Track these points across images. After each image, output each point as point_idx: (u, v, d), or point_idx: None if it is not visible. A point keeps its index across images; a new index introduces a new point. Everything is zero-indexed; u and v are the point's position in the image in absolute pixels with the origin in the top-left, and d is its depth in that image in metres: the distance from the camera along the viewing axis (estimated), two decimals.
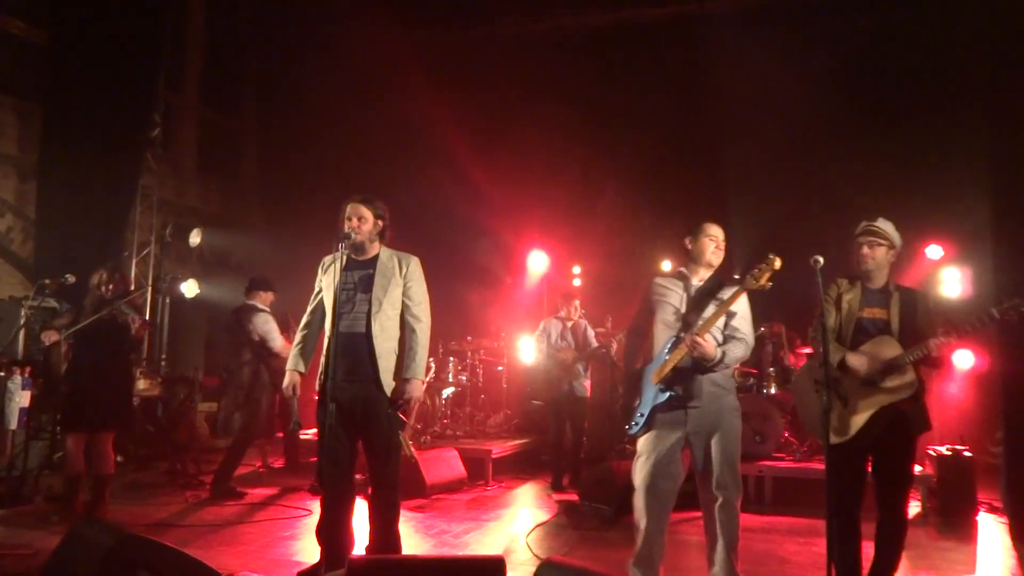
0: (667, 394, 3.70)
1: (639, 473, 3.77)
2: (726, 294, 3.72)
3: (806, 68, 8.43)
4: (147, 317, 5.61)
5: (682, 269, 3.95)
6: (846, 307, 3.64)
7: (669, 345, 3.76)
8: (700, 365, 3.67)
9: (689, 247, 3.91)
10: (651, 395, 3.78)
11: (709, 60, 9.07)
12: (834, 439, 3.51)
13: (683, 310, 3.81)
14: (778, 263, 3.46)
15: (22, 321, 6.27)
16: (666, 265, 9.59)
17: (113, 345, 5.23)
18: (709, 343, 3.59)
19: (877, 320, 3.65)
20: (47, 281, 5.30)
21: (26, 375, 4.96)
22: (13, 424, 4.65)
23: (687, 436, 3.71)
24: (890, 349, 3.53)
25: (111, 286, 5.27)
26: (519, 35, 10.25)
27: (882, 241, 3.67)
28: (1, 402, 4.52)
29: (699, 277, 3.88)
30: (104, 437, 5.27)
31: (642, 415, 3.81)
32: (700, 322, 3.68)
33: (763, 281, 3.50)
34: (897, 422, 3.51)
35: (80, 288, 5.41)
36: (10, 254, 8.16)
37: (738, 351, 3.74)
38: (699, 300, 3.80)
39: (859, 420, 3.51)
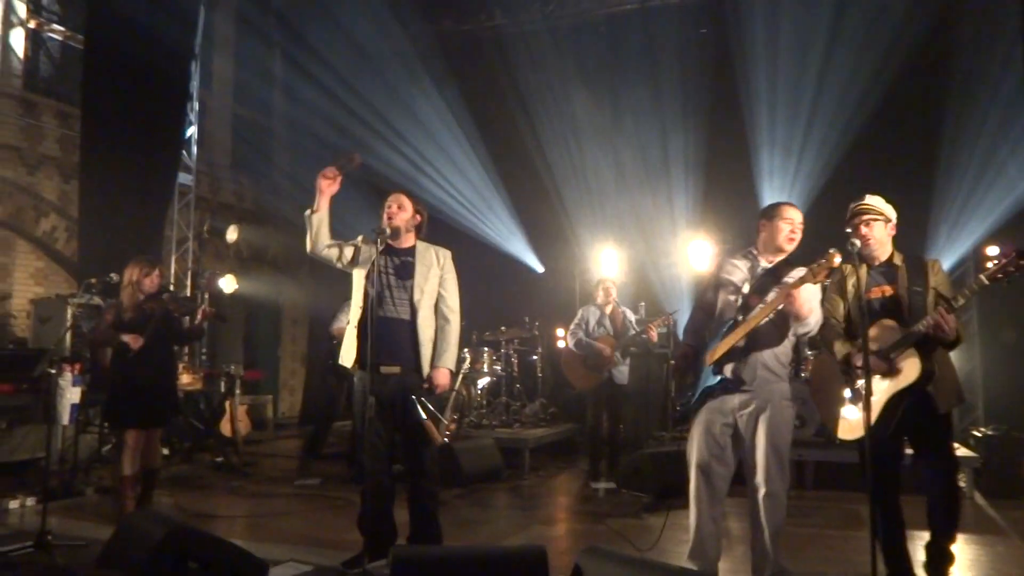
0: (718, 377, 3.64)
1: (692, 453, 3.72)
2: (792, 279, 3.55)
3: (837, 45, 8.30)
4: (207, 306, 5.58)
5: (752, 250, 3.81)
6: (852, 291, 3.54)
7: (726, 327, 3.68)
8: (752, 347, 3.58)
9: (762, 229, 3.75)
10: (705, 376, 3.72)
11: (739, 41, 8.95)
12: (856, 434, 3.50)
13: (746, 292, 3.70)
14: (837, 259, 3.31)
15: (69, 319, 6.44)
16: (698, 248, 9.57)
17: (162, 339, 5.25)
18: (800, 301, 3.41)
19: (886, 299, 3.56)
20: (92, 280, 5.41)
21: (76, 371, 5.06)
22: (65, 420, 4.76)
23: (735, 421, 3.64)
24: (891, 333, 3.44)
25: (154, 278, 5.28)
26: (546, 21, 10.19)
27: (877, 216, 3.59)
28: (53, 398, 4.63)
29: (768, 260, 3.74)
30: (156, 432, 5.33)
31: (693, 395, 3.75)
32: (760, 307, 3.58)
33: (820, 278, 3.37)
34: (917, 404, 3.42)
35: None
36: (55, 253, 8.36)
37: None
38: (763, 284, 3.67)
39: (874, 412, 3.40)
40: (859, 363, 3.49)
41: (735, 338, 3.60)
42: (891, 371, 3.43)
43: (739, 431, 3.65)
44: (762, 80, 8.89)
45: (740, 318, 3.64)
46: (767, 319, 3.58)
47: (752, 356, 3.62)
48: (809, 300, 3.48)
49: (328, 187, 4.00)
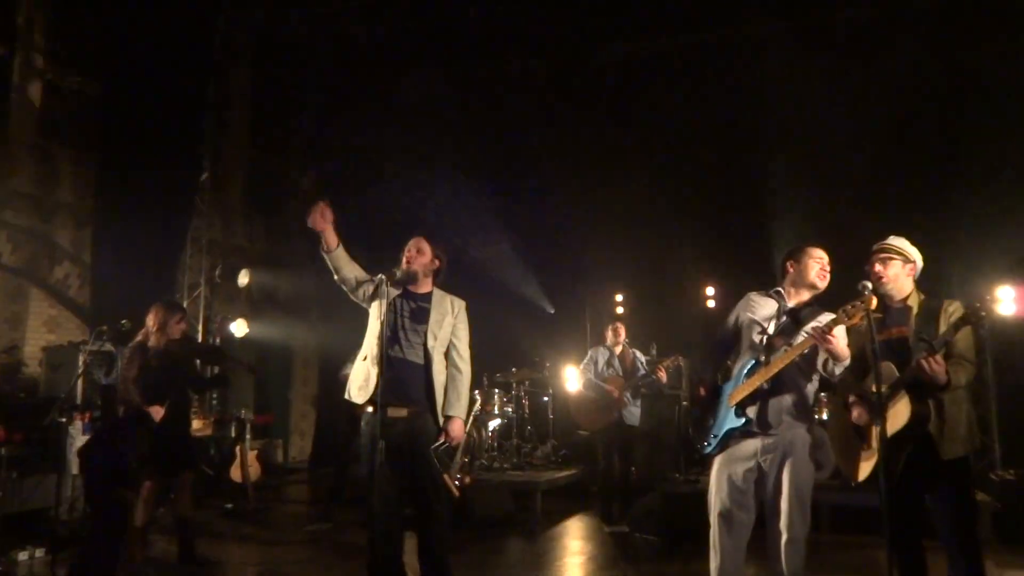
0: (742, 419, 3.59)
1: (713, 501, 3.65)
2: (821, 323, 3.53)
3: (849, 89, 8.33)
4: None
5: (779, 289, 3.79)
6: (867, 333, 3.44)
7: (749, 367, 3.64)
8: (777, 390, 3.56)
9: (791, 269, 3.75)
10: (726, 416, 3.67)
11: (751, 85, 9.01)
12: (864, 475, 3.49)
13: (771, 332, 3.67)
14: (874, 303, 3.27)
15: (80, 366, 6.46)
16: (710, 290, 9.56)
17: (180, 386, 5.22)
18: (839, 341, 3.41)
19: (897, 340, 3.50)
20: (104, 327, 5.43)
21: (86, 420, 5.06)
22: (74, 469, 4.75)
23: (759, 466, 3.58)
24: (888, 376, 3.38)
25: (182, 323, 5.28)
26: (562, 63, 10.31)
27: (894, 256, 3.56)
28: (63, 447, 4.62)
29: (797, 300, 3.73)
30: (184, 480, 5.26)
31: (715, 436, 3.69)
32: (785, 348, 3.56)
33: (856, 320, 3.32)
34: (920, 448, 3.34)
35: (136, 332, 5.51)
36: (68, 300, 8.41)
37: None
38: (791, 326, 3.66)
39: (876, 456, 3.37)
40: (855, 413, 3.51)
41: (760, 379, 3.56)
42: (881, 415, 3.31)
43: (762, 476, 3.58)
44: (774, 122, 8.93)
45: (763, 359, 3.61)
46: (793, 361, 3.54)
47: (776, 399, 3.58)
48: (842, 341, 3.48)
49: (322, 224, 3.95)
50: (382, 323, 3.91)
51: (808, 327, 3.53)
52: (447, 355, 4.18)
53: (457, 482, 6.94)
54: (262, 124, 11.33)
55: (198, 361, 5.46)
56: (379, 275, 4.07)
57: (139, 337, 5.15)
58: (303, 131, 11.58)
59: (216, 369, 5.61)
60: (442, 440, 4.00)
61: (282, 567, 5.41)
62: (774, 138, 8.91)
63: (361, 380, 4.02)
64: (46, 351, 7.49)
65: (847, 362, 3.51)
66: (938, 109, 8.34)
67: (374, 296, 4.07)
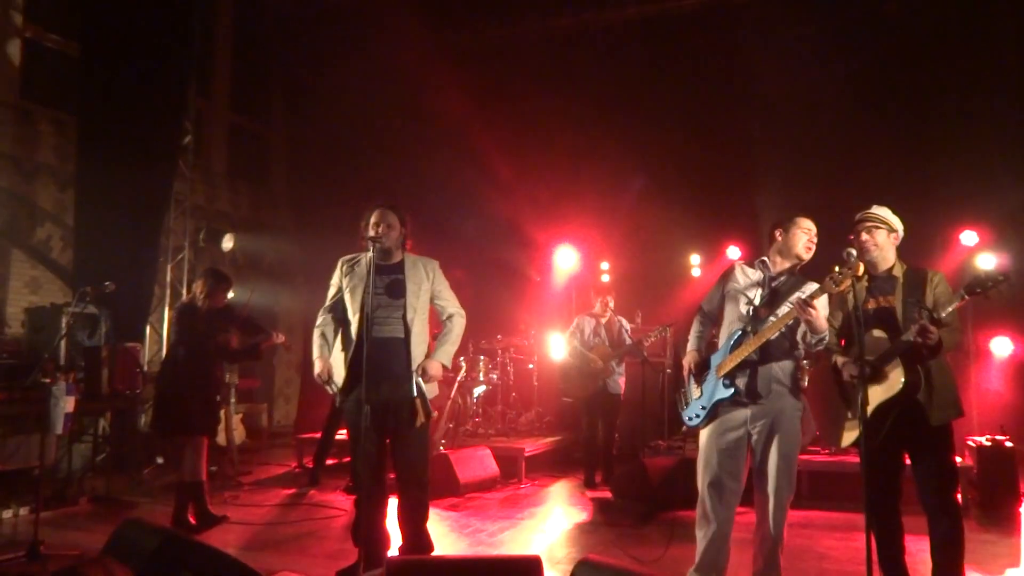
0: (731, 390, 3.63)
1: (703, 471, 3.71)
2: (804, 293, 3.58)
3: (835, 56, 8.33)
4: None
5: (764, 259, 3.81)
6: (851, 301, 3.48)
7: (735, 338, 3.67)
8: (765, 359, 3.59)
9: (779, 238, 3.77)
10: (713, 388, 3.71)
11: (737, 51, 8.99)
12: (847, 442, 3.54)
13: (757, 303, 3.70)
14: (861, 269, 3.32)
15: (63, 327, 6.42)
16: (695, 258, 9.60)
17: (212, 354, 5.44)
18: (819, 313, 3.42)
19: (882, 309, 3.54)
20: (88, 288, 5.40)
21: (70, 380, 5.06)
22: (59, 429, 4.74)
23: (748, 434, 3.64)
24: (878, 344, 3.43)
25: (226, 293, 5.52)
26: (544, 32, 10.23)
27: (880, 224, 3.59)
28: (47, 407, 4.61)
29: (781, 269, 3.75)
30: (202, 442, 5.39)
31: (704, 408, 3.74)
32: (772, 319, 3.60)
33: (843, 287, 3.34)
34: (906, 414, 3.38)
35: (120, 295, 5.53)
36: (50, 262, 8.33)
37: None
38: (776, 296, 3.68)
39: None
40: (847, 373, 3.53)
41: (748, 350, 3.59)
42: (876, 380, 3.41)
43: (752, 442, 3.65)
44: (758, 89, 8.91)
45: (751, 329, 3.64)
46: (779, 332, 3.58)
47: (764, 368, 3.62)
48: (822, 319, 3.50)
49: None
50: (362, 305, 3.94)
51: (792, 298, 3.56)
52: (439, 312, 4.24)
53: (442, 446, 7.02)
54: (243, 88, 11.19)
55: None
56: (336, 269, 4.21)
57: (186, 300, 5.46)
58: (284, 95, 11.45)
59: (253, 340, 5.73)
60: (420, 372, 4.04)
61: (266, 530, 5.44)
62: (759, 105, 8.90)
63: (341, 367, 4.05)
64: (28, 312, 7.42)
65: (825, 336, 3.53)
66: (919, 69, 8.37)
67: (343, 286, 4.15)
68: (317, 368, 4.11)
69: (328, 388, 4.11)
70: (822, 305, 3.54)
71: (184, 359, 5.28)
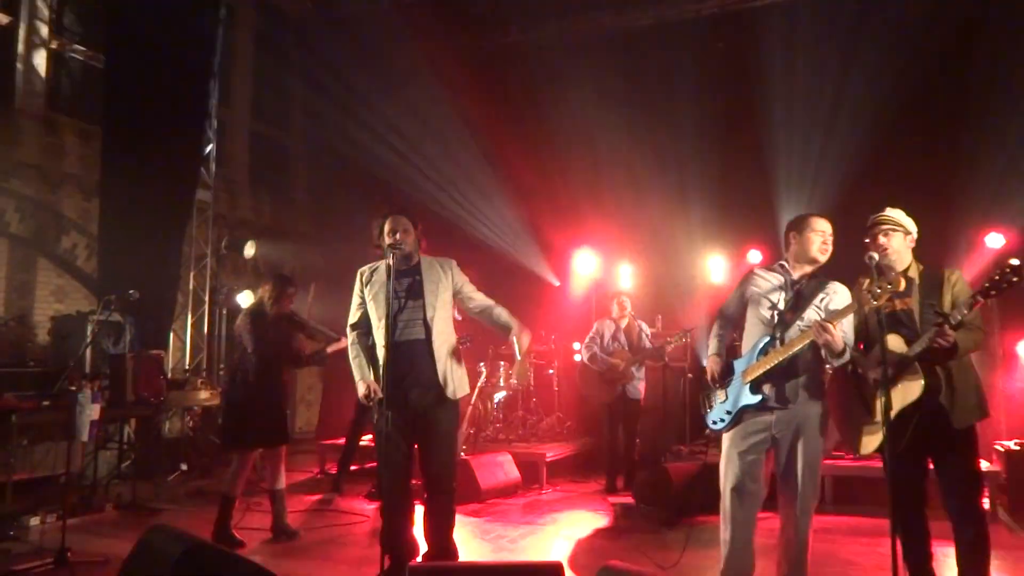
0: (758, 396, 3.60)
1: (726, 475, 3.69)
2: (830, 297, 3.56)
3: (855, 57, 8.25)
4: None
5: (783, 263, 3.78)
6: (868, 304, 3.43)
7: (763, 344, 3.64)
8: (794, 367, 3.56)
9: (792, 242, 3.73)
10: (739, 393, 3.67)
11: (757, 54, 8.93)
12: (870, 448, 3.49)
13: (781, 307, 3.66)
14: (903, 285, 3.27)
15: (89, 336, 6.50)
16: (716, 262, 9.53)
17: (279, 361, 5.36)
18: (836, 334, 3.38)
19: (902, 312, 3.48)
20: (112, 296, 5.46)
21: (96, 388, 5.11)
22: (84, 436, 4.79)
23: (772, 438, 3.61)
24: (898, 347, 3.37)
25: (292, 299, 5.44)
26: (562, 37, 10.24)
27: (897, 228, 3.54)
28: (73, 415, 4.67)
29: (801, 274, 3.71)
30: (280, 451, 5.38)
31: (729, 413, 3.71)
32: (798, 323, 3.57)
33: (882, 302, 3.26)
34: (929, 417, 3.32)
35: (144, 303, 5.55)
36: (75, 270, 8.44)
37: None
38: (800, 298, 3.65)
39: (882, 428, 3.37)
40: (871, 374, 3.47)
41: (776, 358, 3.56)
42: (896, 384, 3.34)
43: (776, 447, 3.61)
44: (779, 92, 8.86)
45: (778, 335, 3.61)
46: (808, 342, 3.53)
47: (793, 376, 3.59)
48: (845, 333, 3.47)
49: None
50: (387, 311, 3.92)
51: (811, 317, 3.54)
52: (470, 308, 4.23)
53: (463, 452, 7.02)
54: (265, 98, 11.29)
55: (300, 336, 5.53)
56: (360, 269, 4.23)
57: (254, 305, 5.36)
58: (304, 104, 11.54)
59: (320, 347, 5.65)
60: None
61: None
62: (780, 107, 8.84)
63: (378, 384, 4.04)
64: (54, 320, 7.53)
65: (845, 355, 3.48)
66: (947, 74, 8.27)
67: (366, 297, 4.17)
68: (361, 390, 4.08)
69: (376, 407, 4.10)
70: (847, 328, 3.51)
71: (256, 368, 5.13)
